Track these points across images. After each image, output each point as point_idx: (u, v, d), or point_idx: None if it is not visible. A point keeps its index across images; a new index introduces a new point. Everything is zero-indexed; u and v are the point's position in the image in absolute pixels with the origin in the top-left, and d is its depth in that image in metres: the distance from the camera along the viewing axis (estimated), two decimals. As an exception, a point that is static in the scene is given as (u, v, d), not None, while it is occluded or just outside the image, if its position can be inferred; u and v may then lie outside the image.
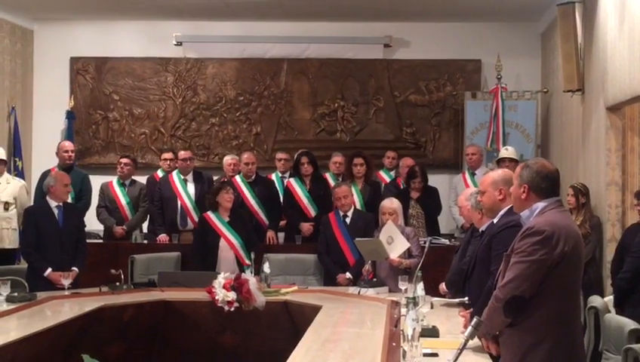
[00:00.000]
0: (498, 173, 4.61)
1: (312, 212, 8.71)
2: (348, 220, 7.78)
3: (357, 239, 7.08)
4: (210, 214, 7.77)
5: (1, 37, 10.41)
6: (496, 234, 4.46)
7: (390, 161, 9.74)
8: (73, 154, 9.15)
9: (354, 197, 8.31)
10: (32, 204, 8.68)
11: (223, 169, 9.49)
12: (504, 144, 9.70)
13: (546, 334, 3.51)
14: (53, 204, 7.10)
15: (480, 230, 5.09)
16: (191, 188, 8.94)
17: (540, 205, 3.64)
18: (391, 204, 7.18)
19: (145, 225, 9.39)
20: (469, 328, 3.35)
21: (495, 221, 4.58)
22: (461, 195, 6.21)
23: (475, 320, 3.36)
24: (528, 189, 3.66)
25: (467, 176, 9.33)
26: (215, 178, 9.50)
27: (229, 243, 7.63)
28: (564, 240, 3.50)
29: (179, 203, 8.87)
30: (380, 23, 10.92)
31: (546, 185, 3.66)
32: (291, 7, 10.27)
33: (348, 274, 7.49)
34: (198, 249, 7.74)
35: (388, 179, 9.61)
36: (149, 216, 9.24)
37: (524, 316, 3.54)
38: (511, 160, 8.62)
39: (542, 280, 3.50)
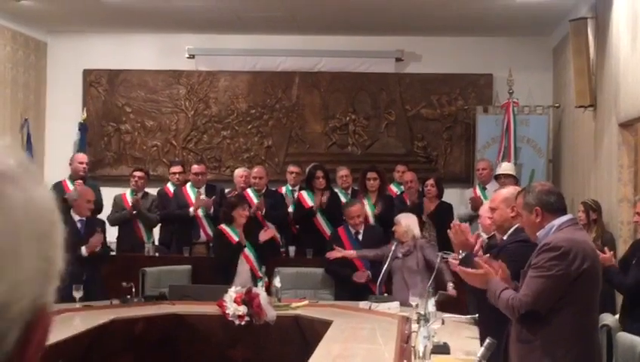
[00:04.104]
0: (510, 191, 4.61)
1: (326, 228, 8.73)
2: (360, 236, 7.79)
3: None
4: (226, 228, 7.77)
5: (14, 49, 10.48)
6: (503, 248, 4.46)
7: (400, 174, 9.72)
8: (87, 167, 9.21)
9: (367, 212, 8.31)
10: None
11: (234, 181, 9.51)
12: (516, 159, 9.72)
13: (564, 350, 3.51)
14: (76, 218, 7.19)
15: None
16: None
17: (556, 223, 3.65)
18: (399, 225, 7.22)
19: (157, 238, 9.42)
20: (482, 349, 3.35)
21: (505, 238, 4.58)
22: (484, 206, 6.16)
23: (487, 341, 3.36)
24: (541, 211, 3.67)
25: (478, 190, 9.31)
26: (227, 190, 9.52)
27: (245, 256, 7.66)
28: (581, 257, 3.50)
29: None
30: (392, 36, 10.94)
31: (554, 199, 3.68)
32: (304, 20, 10.30)
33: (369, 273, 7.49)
34: (218, 261, 7.71)
35: (399, 193, 9.61)
36: (160, 224, 9.29)
37: (542, 332, 3.53)
38: (506, 176, 8.66)
39: (559, 295, 3.50)
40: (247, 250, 7.69)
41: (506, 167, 8.92)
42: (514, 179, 8.77)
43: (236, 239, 7.67)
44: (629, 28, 7.04)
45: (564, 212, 3.68)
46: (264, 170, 9.32)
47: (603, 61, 7.98)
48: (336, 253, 7.70)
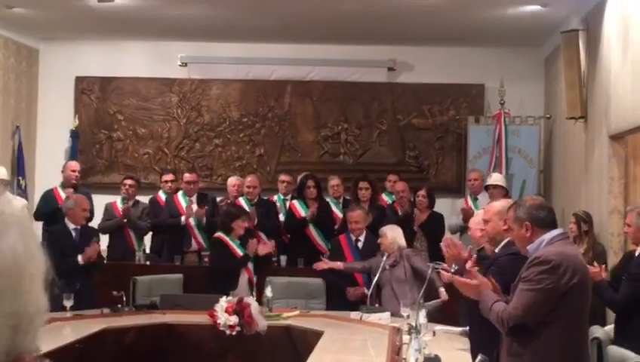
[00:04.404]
0: (503, 204, 4.62)
1: (318, 238, 8.74)
2: (360, 244, 7.81)
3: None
4: (226, 238, 7.76)
5: (6, 56, 10.46)
6: (495, 261, 4.47)
7: (392, 184, 9.73)
8: (79, 175, 9.20)
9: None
10: (32, 222, 8.75)
11: (227, 190, 9.51)
12: (507, 169, 9.76)
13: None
14: (71, 226, 7.22)
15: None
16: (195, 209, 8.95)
17: (547, 237, 3.67)
18: (385, 237, 7.26)
19: (148, 246, 9.41)
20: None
21: (497, 251, 4.59)
22: (474, 218, 6.17)
23: (479, 357, 3.37)
24: (531, 225, 3.69)
25: (470, 201, 9.33)
26: (218, 199, 9.52)
27: (245, 268, 7.72)
28: (571, 271, 3.52)
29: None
30: (385, 46, 10.97)
31: (544, 214, 3.70)
32: (296, 29, 10.32)
33: (365, 290, 7.49)
34: (217, 271, 7.68)
35: (390, 203, 9.62)
36: (151, 233, 9.28)
37: (532, 346, 3.55)
38: (496, 187, 8.71)
39: (548, 309, 3.51)
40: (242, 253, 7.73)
41: (495, 178, 8.96)
42: (503, 190, 8.80)
43: (240, 253, 7.69)
44: (620, 40, 7.08)
45: (554, 226, 3.70)
46: (257, 179, 9.32)
47: (594, 73, 8.02)
48: (324, 265, 7.73)
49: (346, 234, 7.96)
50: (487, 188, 8.96)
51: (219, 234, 7.84)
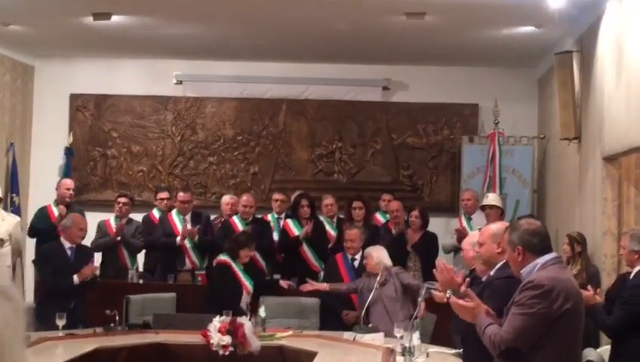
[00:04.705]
0: (498, 226, 4.61)
1: (312, 257, 8.74)
2: (356, 263, 7.81)
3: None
4: (234, 265, 7.78)
5: (1, 73, 10.47)
6: (489, 285, 4.46)
7: (386, 203, 9.73)
8: (73, 193, 9.20)
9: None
10: (25, 240, 8.79)
11: (221, 208, 9.50)
12: (501, 189, 9.78)
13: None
14: (66, 244, 7.21)
15: (483, 279, 5.09)
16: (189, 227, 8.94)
17: (540, 261, 3.67)
18: (371, 258, 7.28)
19: (141, 264, 9.39)
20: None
21: (492, 273, 4.59)
22: (467, 238, 6.19)
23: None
24: (522, 250, 3.69)
25: (464, 220, 9.33)
26: (213, 217, 9.51)
27: (246, 288, 7.72)
28: (564, 296, 3.52)
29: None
30: (379, 65, 11.01)
31: (537, 240, 3.70)
32: (291, 48, 10.35)
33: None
34: (219, 295, 7.59)
35: (384, 222, 9.62)
36: (144, 251, 9.27)
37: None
38: (491, 207, 8.74)
39: (540, 333, 3.51)
40: (247, 283, 7.76)
41: (492, 198, 8.98)
42: (499, 210, 8.82)
43: (250, 288, 7.74)
44: (614, 62, 7.11)
45: (547, 252, 3.70)
46: (253, 198, 9.32)
47: (588, 94, 8.05)
48: (309, 287, 7.73)
49: (342, 254, 7.96)
50: (483, 208, 8.97)
51: (225, 258, 7.84)
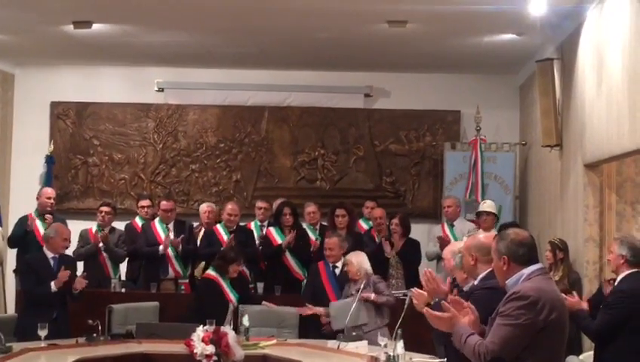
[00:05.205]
0: (476, 238, 4.60)
1: (296, 267, 8.76)
2: (337, 271, 7.78)
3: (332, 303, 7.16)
4: (220, 279, 7.73)
5: (-18, 81, 10.41)
6: (471, 295, 4.47)
7: (369, 210, 9.73)
8: (54, 202, 9.15)
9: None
10: (6, 249, 8.73)
11: (200, 216, 9.48)
12: (483, 195, 9.81)
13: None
14: (49, 254, 7.17)
15: (464, 289, 5.10)
16: (172, 237, 8.90)
17: (526, 272, 3.67)
18: (351, 264, 7.33)
19: (123, 272, 9.34)
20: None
21: (476, 283, 4.60)
22: (448, 247, 6.20)
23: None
24: (508, 260, 3.70)
25: (446, 227, 9.34)
26: (195, 224, 9.48)
27: (232, 302, 7.68)
28: (549, 307, 3.53)
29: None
30: (361, 72, 11.04)
31: (523, 251, 3.70)
32: (273, 55, 10.35)
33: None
34: (206, 310, 7.35)
35: (367, 229, 9.62)
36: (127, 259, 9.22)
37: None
38: (488, 213, 8.79)
39: (525, 344, 3.52)
40: (232, 297, 7.71)
41: (488, 205, 9.00)
42: (495, 217, 8.88)
43: (235, 302, 7.69)
44: (595, 70, 7.16)
45: (533, 263, 3.71)
46: (238, 207, 9.29)
47: (569, 102, 8.09)
48: (308, 311, 7.61)
49: (324, 261, 7.94)
50: (479, 214, 8.98)
51: (213, 274, 7.79)
